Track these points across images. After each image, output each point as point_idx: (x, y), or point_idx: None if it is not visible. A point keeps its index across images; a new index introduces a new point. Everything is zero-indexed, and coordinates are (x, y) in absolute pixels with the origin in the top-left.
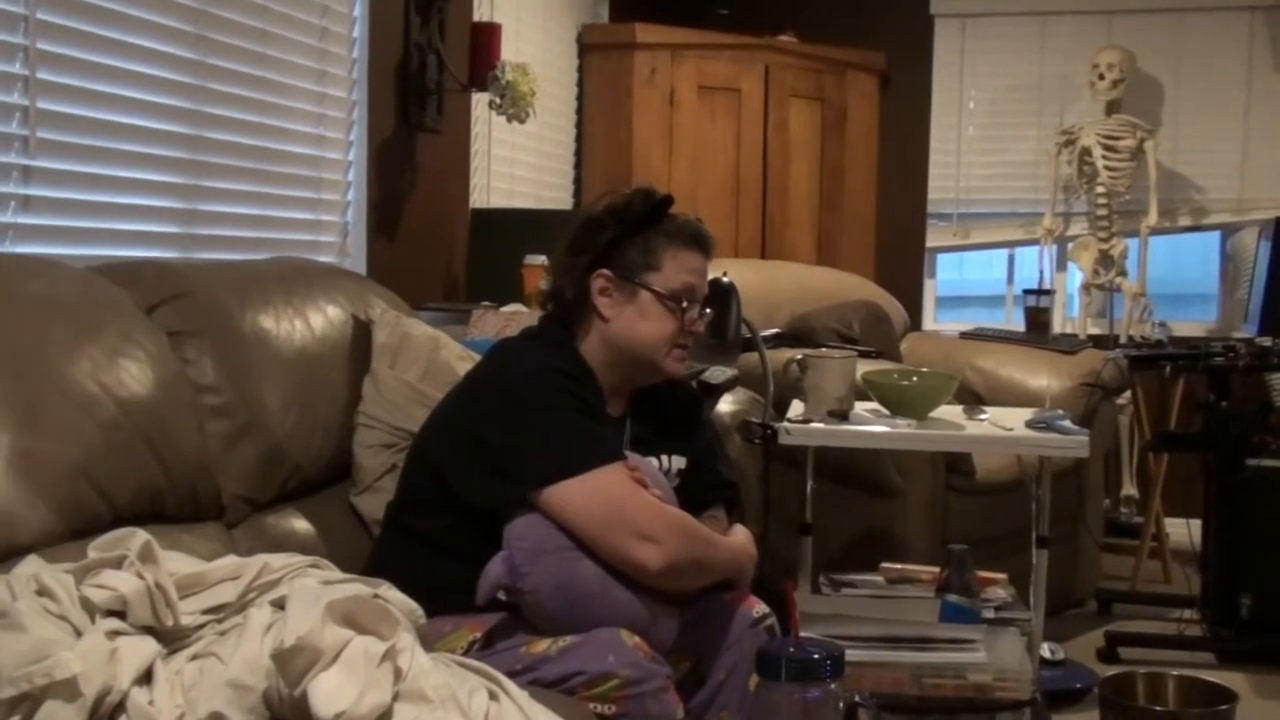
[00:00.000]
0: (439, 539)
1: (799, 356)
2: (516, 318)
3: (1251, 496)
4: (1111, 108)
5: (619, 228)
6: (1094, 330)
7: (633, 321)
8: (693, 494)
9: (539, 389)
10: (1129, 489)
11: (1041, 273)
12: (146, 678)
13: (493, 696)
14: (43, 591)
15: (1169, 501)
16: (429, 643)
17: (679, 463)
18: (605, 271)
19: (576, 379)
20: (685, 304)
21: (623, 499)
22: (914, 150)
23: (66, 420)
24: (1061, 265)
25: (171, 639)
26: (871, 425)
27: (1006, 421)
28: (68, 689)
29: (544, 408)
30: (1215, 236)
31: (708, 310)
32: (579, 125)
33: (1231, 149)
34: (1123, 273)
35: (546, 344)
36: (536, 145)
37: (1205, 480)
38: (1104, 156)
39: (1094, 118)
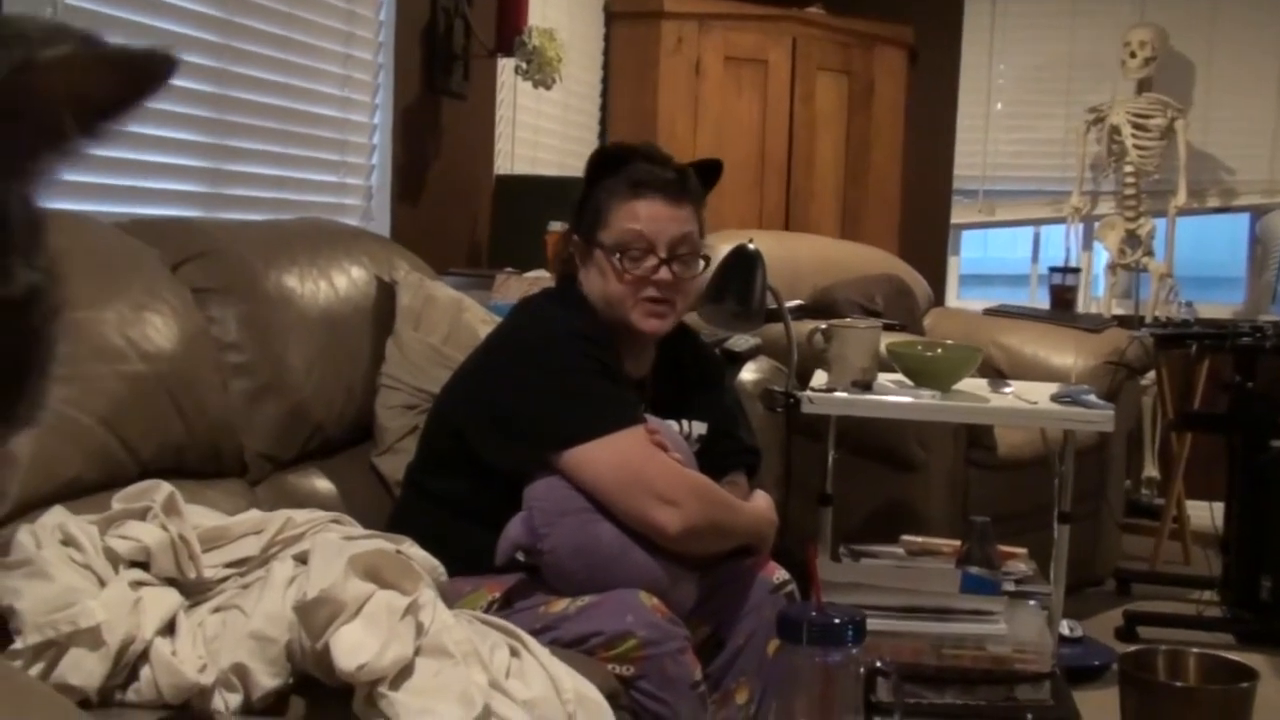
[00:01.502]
0: (458, 501)
1: (823, 326)
2: (539, 284)
3: (1276, 478)
4: (1142, 86)
5: (584, 190)
6: (1119, 310)
7: (594, 281)
8: (714, 459)
9: (558, 351)
10: (1150, 470)
11: (1068, 251)
12: (169, 629)
13: (514, 653)
14: (67, 541)
15: (1190, 483)
16: (448, 602)
17: (700, 428)
18: (574, 236)
19: (595, 341)
20: (620, 257)
21: (642, 462)
22: (941, 126)
23: (91, 372)
24: (1087, 244)
25: (194, 591)
26: (895, 396)
27: (1031, 395)
28: (92, 637)
29: (564, 371)
30: (1243, 220)
31: (686, 258)
32: (604, 94)
33: (1263, 130)
34: (1149, 253)
35: (565, 305)
36: (561, 112)
37: (1229, 461)
38: (1133, 135)
39: (1124, 96)
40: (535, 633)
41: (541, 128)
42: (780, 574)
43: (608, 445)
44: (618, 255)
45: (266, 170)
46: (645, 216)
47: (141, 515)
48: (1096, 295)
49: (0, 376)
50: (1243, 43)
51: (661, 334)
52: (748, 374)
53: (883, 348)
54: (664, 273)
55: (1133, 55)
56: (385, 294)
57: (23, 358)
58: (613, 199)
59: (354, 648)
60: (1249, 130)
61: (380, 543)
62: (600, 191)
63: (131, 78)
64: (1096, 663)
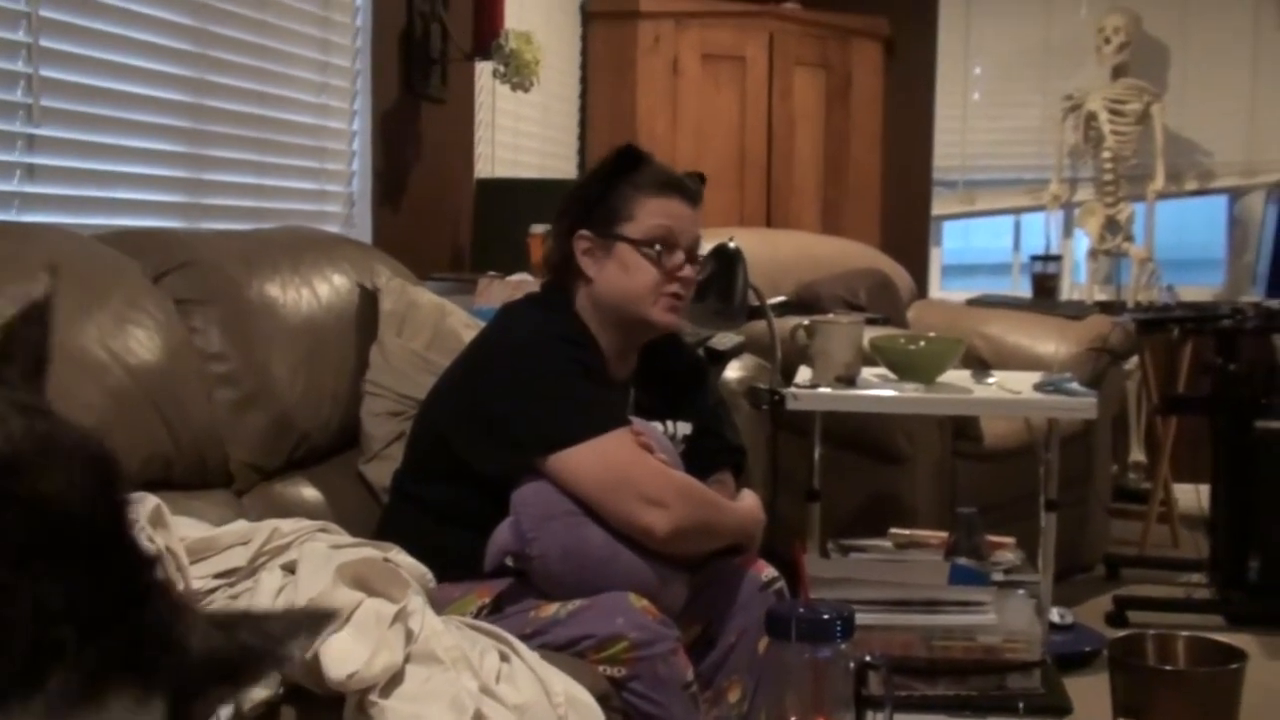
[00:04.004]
0: (446, 507)
1: (806, 322)
2: (523, 287)
3: (1260, 458)
4: (1118, 72)
5: (595, 186)
6: (1101, 296)
7: (615, 276)
8: (699, 459)
9: (542, 356)
10: (1137, 454)
11: (1048, 239)
12: None
13: (504, 658)
14: None
15: (1176, 466)
16: (438, 607)
17: (684, 428)
18: (584, 231)
19: (578, 344)
20: (660, 248)
21: (628, 464)
22: (919, 117)
23: (74, 386)
24: (1068, 231)
25: None
26: (879, 390)
27: (1014, 385)
28: None
29: (548, 374)
30: (1221, 202)
31: (699, 260)
32: (583, 94)
33: (1239, 111)
34: (1129, 238)
35: (548, 309)
36: (541, 114)
37: (1213, 443)
38: (1110, 121)
39: (1100, 82)
40: (526, 637)
41: (521, 130)
42: (769, 571)
43: (593, 449)
44: (656, 247)
45: (246, 179)
46: (673, 214)
47: None
48: (1078, 282)
49: None
50: (1216, 24)
51: (672, 329)
52: (732, 372)
53: (866, 342)
54: (689, 270)
55: (1107, 41)
56: (367, 301)
57: None
58: (639, 194)
59: (343, 656)
60: (1225, 112)
61: (368, 551)
62: (625, 186)
63: None
64: (1087, 648)
